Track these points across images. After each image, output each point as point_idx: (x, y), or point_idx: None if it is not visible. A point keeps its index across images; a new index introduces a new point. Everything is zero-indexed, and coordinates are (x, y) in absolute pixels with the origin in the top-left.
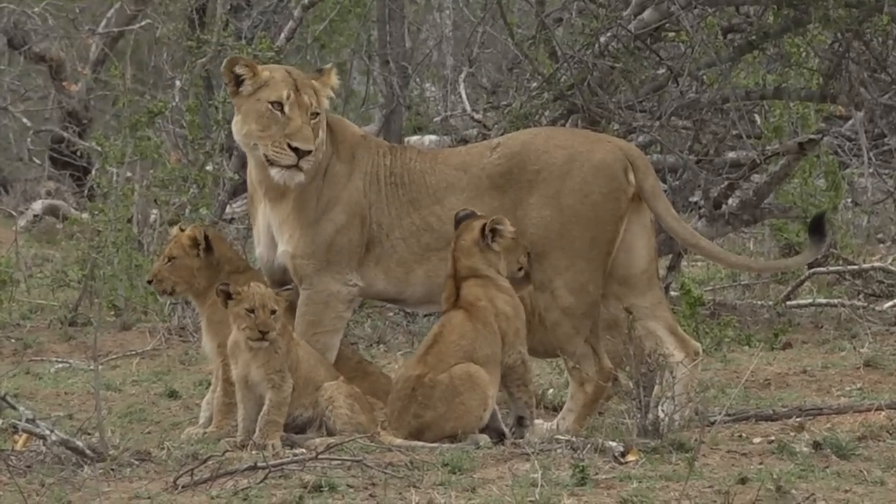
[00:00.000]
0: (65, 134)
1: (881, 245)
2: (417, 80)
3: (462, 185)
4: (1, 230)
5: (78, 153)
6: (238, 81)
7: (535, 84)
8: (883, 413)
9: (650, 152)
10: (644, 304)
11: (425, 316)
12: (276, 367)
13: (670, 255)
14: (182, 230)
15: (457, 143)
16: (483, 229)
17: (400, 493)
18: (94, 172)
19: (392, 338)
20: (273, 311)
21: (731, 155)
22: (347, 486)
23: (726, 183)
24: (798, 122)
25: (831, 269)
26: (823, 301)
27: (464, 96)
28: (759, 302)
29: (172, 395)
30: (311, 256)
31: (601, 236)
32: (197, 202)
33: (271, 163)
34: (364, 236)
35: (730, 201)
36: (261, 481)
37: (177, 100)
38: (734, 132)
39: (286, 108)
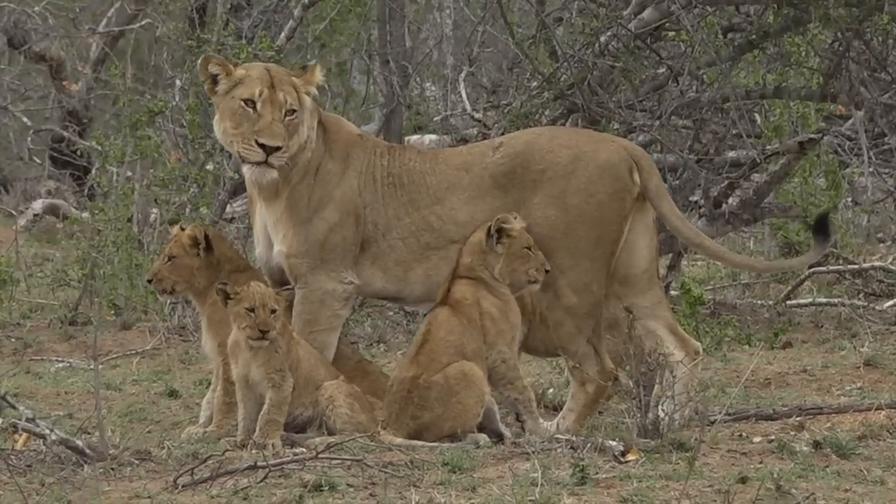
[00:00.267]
0: (65, 133)
1: (881, 244)
2: (418, 79)
3: (464, 184)
4: (1, 229)
5: (78, 152)
6: (214, 80)
7: (535, 83)
8: (883, 412)
9: (650, 151)
10: (644, 303)
11: (425, 314)
12: (276, 366)
13: (670, 255)
14: (182, 229)
15: (457, 143)
16: (489, 230)
17: (400, 493)
18: (94, 172)
19: (392, 337)
20: (273, 311)
21: (732, 154)
22: (347, 485)
23: (726, 182)
24: (798, 122)
25: (831, 268)
26: (823, 300)
27: (464, 96)
28: (759, 301)
29: (172, 394)
30: (304, 255)
31: (606, 236)
32: (197, 201)
33: (243, 160)
34: (358, 234)
35: (730, 200)
36: (261, 480)
37: (177, 99)
38: (734, 131)
39: (258, 106)
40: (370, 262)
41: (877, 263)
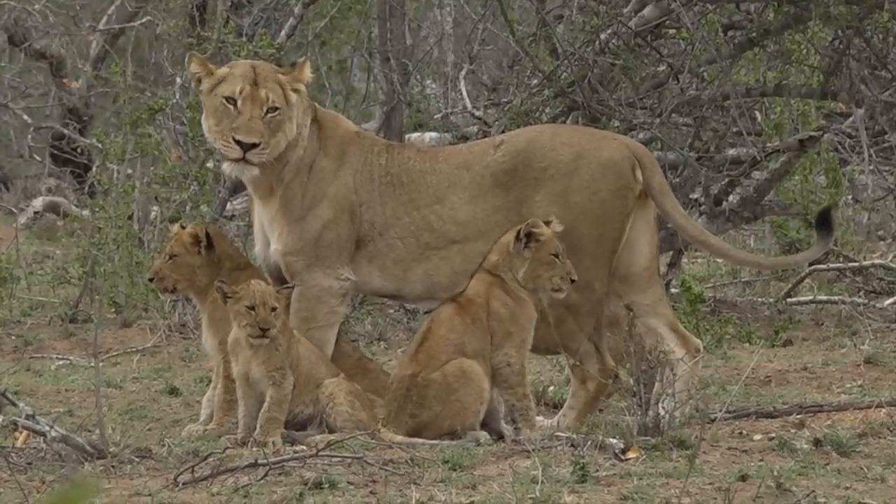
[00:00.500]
0: (65, 131)
1: (881, 242)
2: (418, 77)
3: (464, 183)
4: (1, 227)
5: (78, 150)
6: (200, 79)
7: (535, 81)
8: (883, 410)
9: (651, 149)
10: (645, 301)
11: (426, 312)
12: (276, 364)
13: (671, 252)
14: (183, 227)
15: (457, 141)
16: (519, 232)
17: (400, 490)
18: (94, 169)
19: (392, 335)
20: (273, 308)
21: (732, 152)
22: (348, 483)
23: (727, 180)
24: (798, 119)
25: (832, 266)
26: (824, 298)
27: (464, 93)
28: (759, 299)
29: (173, 392)
30: (299, 253)
31: (608, 234)
32: (197, 199)
33: (223, 157)
34: (353, 232)
35: (730, 198)
36: (261, 478)
37: (177, 97)
38: (735, 129)
39: (238, 103)
40: (366, 261)
41: (877, 261)
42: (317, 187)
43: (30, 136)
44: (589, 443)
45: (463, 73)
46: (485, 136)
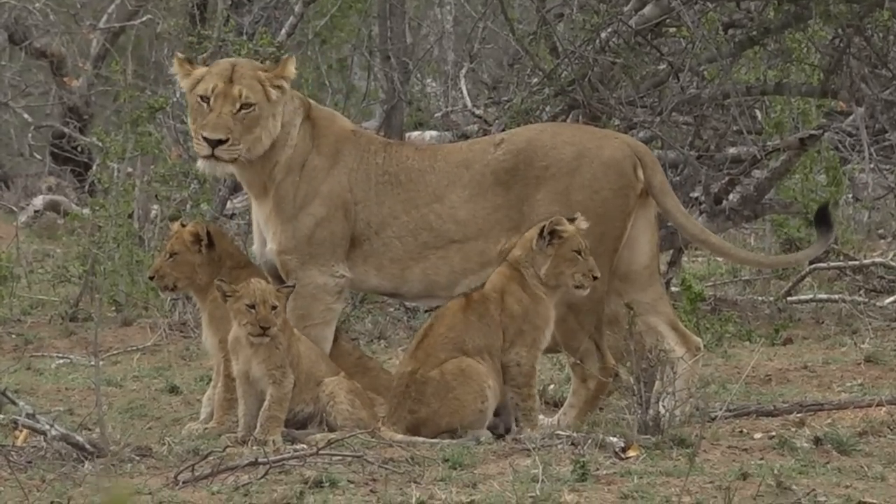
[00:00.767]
0: (66, 129)
1: (882, 241)
2: (418, 75)
3: (464, 181)
4: (2, 226)
5: (79, 149)
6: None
7: (535, 80)
8: (883, 409)
9: (651, 148)
10: (645, 299)
11: (426, 311)
12: (277, 362)
13: (671, 251)
14: (183, 226)
15: (458, 139)
16: (542, 229)
17: (400, 489)
18: (94, 168)
19: (393, 333)
20: (273, 307)
21: (732, 150)
22: (348, 481)
23: (727, 178)
24: (799, 118)
25: (832, 264)
26: (824, 297)
27: (465, 92)
28: (759, 297)
29: (173, 390)
30: (293, 251)
31: (609, 233)
32: (198, 198)
33: (197, 154)
34: (347, 229)
35: (730, 197)
36: (261, 477)
37: (177, 95)
38: (735, 128)
39: (211, 100)
40: (362, 260)
41: (877, 260)
42: (309, 185)
43: (30, 135)
44: (589, 441)
45: (463, 71)
46: (485, 135)
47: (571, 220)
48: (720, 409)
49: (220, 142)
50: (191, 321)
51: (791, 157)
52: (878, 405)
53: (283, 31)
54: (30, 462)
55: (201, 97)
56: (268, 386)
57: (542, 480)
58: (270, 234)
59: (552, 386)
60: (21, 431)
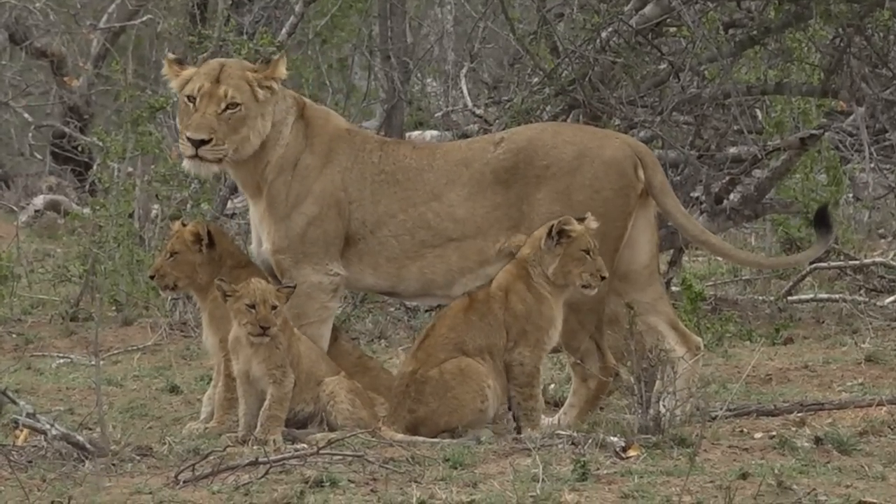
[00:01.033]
0: (66, 129)
1: (882, 240)
2: (419, 75)
3: (463, 180)
4: (2, 225)
5: (79, 148)
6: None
7: (536, 79)
8: (884, 408)
9: (652, 147)
10: (645, 299)
11: (426, 311)
12: (277, 362)
13: (672, 251)
14: (184, 225)
15: (458, 139)
16: (551, 229)
17: (401, 489)
18: (95, 168)
19: (393, 333)
20: (274, 307)
21: (733, 150)
22: (349, 481)
23: (727, 178)
24: (799, 118)
25: (832, 264)
26: (825, 296)
27: (465, 91)
28: (760, 297)
29: (174, 390)
30: (286, 250)
31: (610, 232)
32: (198, 197)
33: (182, 155)
34: (341, 228)
35: (731, 196)
36: (262, 476)
37: (177, 95)
38: (735, 127)
39: (197, 101)
40: (357, 259)
41: (878, 259)
42: (301, 185)
43: (30, 135)
44: (590, 441)
45: (464, 71)
46: (485, 135)
47: (581, 220)
48: (721, 409)
49: (203, 142)
50: (191, 321)
51: (791, 157)
52: (878, 405)
53: (284, 30)
54: (30, 461)
55: (188, 97)
56: (268, 385)
57: (543, 480)
58: (265, 234)
59: (553, 385)
60: (22, 431)
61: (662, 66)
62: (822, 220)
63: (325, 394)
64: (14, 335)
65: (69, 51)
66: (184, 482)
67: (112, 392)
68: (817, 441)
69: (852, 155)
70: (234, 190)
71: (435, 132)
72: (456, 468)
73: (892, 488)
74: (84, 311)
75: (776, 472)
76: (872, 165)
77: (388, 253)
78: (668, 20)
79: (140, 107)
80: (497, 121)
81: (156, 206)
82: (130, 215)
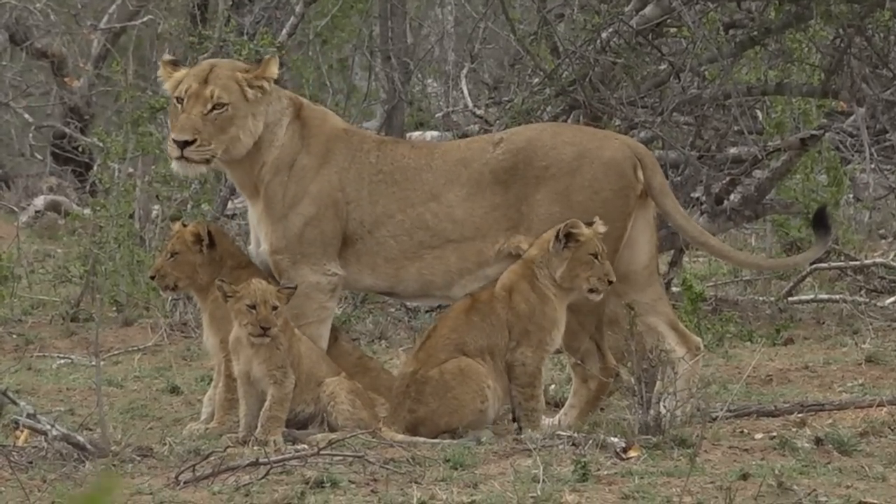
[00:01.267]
0: (67, 130)
1: (883, 241)
2: (419, 75)
3: (462, 180)
4: (2, 226)
5: (80, 149)
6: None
7: (536, 80)
8: (884, 409)
9: (652, 148)
10: (645, 299)
11: (427, 311)
12: (277, 363)
13: (672, 251)
14: (184, 226)
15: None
16: (559, 232)
17: (401, 489)
18: (95, 168)
19: (394, 333)
20: (274, 308)
21: (733, 151)
22: (349, 481)
23: (728, 178)
24: (800, 118)
25: (833, 264)
26: (825, 297)
27: (465, 92)
28: (760, 298)
29: (174, 390)
30: (284, 251)
31: (610, 233)
32: (199, 198)
33: (169, 156)
34: (338, 228)
35: (731, 197)
36: (262, 477)
37: None
38: (736, 128)
39: (185, 102)
40: (355, 259)
41: (878, 260)
42: (298, 185)
43: (31, 135)
44: (590, 441)
45: (464, 71)
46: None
47: (589, 224)
48: (721, 410)
49: (188, 143)
50: (192, 321)
51: (792, 158)
52: (878, 405)
53: (284, 31)
54: (31, 462)
55: (177, 98)
56: (269, 386)
57: (543, 481)
58: (262, 235)
59: (553, 386)
60: (22, 431)
61: (663, 66)
62: (820, 222)
63: (326, 394)
64: (14, 336)
65: (70, 51)
66: (184, 483)
67: (112, 393)
68: (818, 442)
69: (853, 155)
70: (234, 191)
71: (435, 133)
72: (456, 469)
73: (892, 489)
74: (84, 312)
75: (777, 472)
76: (873, 166)
77: (386, 253)
78: (669, 21)
79: (140, 107)
80: (497, 121)
81: (156, 207)
82: (131, 216)
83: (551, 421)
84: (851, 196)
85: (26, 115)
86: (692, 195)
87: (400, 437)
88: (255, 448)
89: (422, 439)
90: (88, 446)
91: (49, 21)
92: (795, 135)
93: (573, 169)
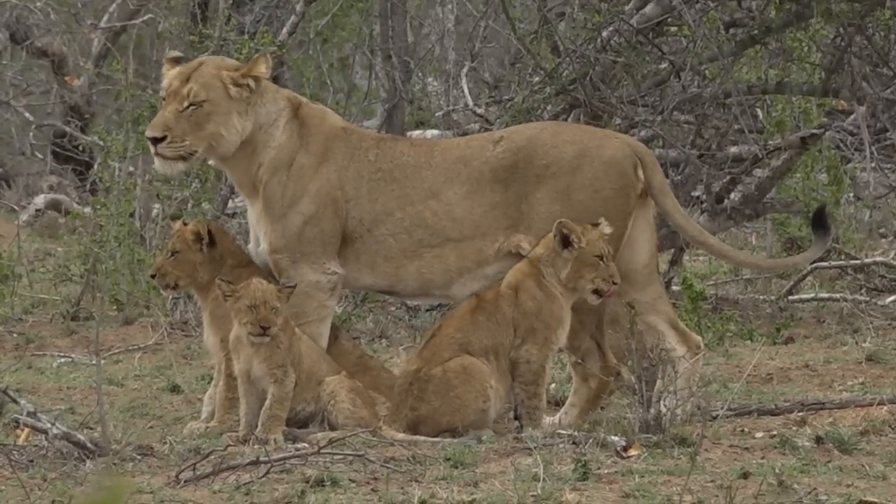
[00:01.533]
0: (67, 128)
1: (883, 240)
2: (420, 74)
3: (462, 178)
4: (3, 224)
5: (80, 148)
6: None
7: (537, 79)
8: (885, 407)
9: (652, 147)
10: (645, 298)
11: (427, 310)
12: (278, 361)
13: (673, 250)
14: (185, 224)
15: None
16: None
17: (402, 488)
18: (96, 167)
19: (394, 332)
20: (274, 307)
21: (733, 149)
22: (349, 480)
23: (728, 177)
24: (800, 117)
25: (833, 263)
26: (825, 296)
27: (466, 91)
28: (761, 296)
29: (174, 389)
30: (283, 250)
31: (610, 233)
32: (199, 197)
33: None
34: (338, 227)
35: (732, 196)
36: (263, 476)
37: None
38: (736, 127)
39: (165, 99)
40: (355, 258)
41: (879, 259)
42: (297, 184)
43: (31, 134)
44: (591, 440)
45: (464, 70)
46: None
47: (595, 225)
48: (721, 408)
49: (158, 139)
50: (192, 320)
51: (792, 156)
52: (879, 404)
53: (285, 30)
54: (31, 461)
55: (163, 97)
56: (269, 385)
57: (544, 479)
58: (262, 234)
59: (553, 385)
60: (22, 430)
61: (663, 65)
62: (820, 221)
63: (326, 393)
64: (15, 334)
65: (70, 50)
66: (185, 481)
67: (113, 391)
68: (818, 440)
69: (853, 154)
70: (234, 189)
71: (436, 131)
72: (457, 467)
73: (893, 487)
74: (85, 311)
75: (777, 471)
76: (873, 165)
77: (385, 252)
78: (669, 19)
79: (141, 106)
80: (498, 120)
81: (157, 206)
82: (131, 214)
83: (552, 419)
84: (852, 195)
85: (27, 114)
86: (693, 194)
87: (400, 435)
88: (256, 447)
89: (422, 438)
90: (89, 445)
91: (49, 20)
92: (796, 133)
93: (573, 168)
